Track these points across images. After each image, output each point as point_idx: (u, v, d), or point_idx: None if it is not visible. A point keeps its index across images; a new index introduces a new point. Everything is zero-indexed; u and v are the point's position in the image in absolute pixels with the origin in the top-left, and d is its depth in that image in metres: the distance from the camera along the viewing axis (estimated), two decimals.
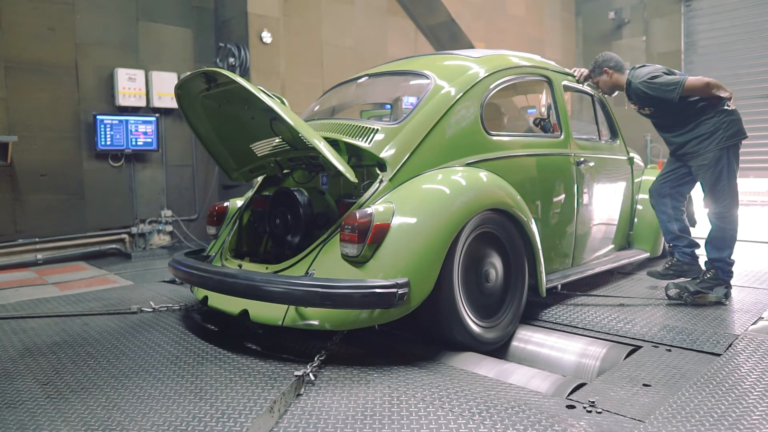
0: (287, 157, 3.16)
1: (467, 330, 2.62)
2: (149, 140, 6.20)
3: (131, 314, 3.37)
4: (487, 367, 2.46)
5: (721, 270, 3.37)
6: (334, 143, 2.86)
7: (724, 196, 3.32)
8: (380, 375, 2.29)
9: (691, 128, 3.38)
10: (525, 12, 10.87)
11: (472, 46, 9.13)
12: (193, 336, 2.89)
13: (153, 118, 6.22)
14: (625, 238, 4.38)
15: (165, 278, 4.55)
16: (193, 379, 2.29)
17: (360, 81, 3.70)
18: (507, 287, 2.93)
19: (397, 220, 2.49)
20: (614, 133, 4.36)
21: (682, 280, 3.47)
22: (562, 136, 3.56)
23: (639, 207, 4.45)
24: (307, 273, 2.55)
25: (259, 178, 3.57)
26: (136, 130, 6.10)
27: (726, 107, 3.32)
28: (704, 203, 3.45)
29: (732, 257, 3.38)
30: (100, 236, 6.06)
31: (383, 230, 2.45)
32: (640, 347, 2.65)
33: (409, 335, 2.87)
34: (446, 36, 9.22)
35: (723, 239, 3.36)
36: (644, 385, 2.21)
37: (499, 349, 2.83)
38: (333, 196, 3.15)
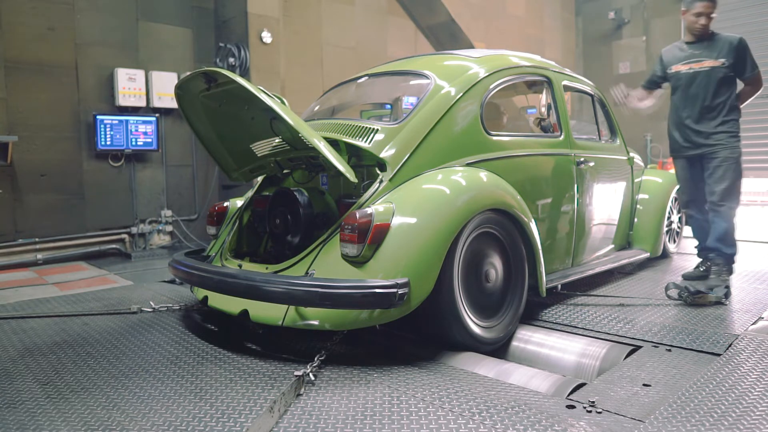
0: (287, 157, 3.16)
1: (467, 330, 2.62)
2: (149, 140, 6.20)
3: (131, 314, 3.37)
4: (487, 367, 2.46)
5: (730, 264, 3.65)
6: (334, 143, 2.86)
7: (737, 193, 3.57)
8: (380, 375, 2.29)
9: (728, 120, 3.61)
10: (525, 12, 10.87)
11: (472, 46, 9.13)
12: (193, 336, 2.89)
13: (153, 118, 6.22)
14: (625, 238, 4.38)
15: (165, 278, 4.55)
16: (193, 379, 2.29)
17: (360, 81, 3.70)
18: (507, 287, 2.93)
19: (397, 220, 2.49)
20: (614, 133, 4.36)
21: (681, 280, 3.49)
22: (562, 136, 3.56)
23: (639, 207, 4.45)
24: (307, 273, 2.55)
25: (259, 178, 3.57)
26: (136, 130, 6.10)
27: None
28: (718, 197, 3.58)
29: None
30: (100, 236, 6.06)
31: (383, 230, 2.45)
32: (640, 347, 2.65)
33: (409, 335, 2.87)
34: (446, 36, 9.22)
35: (732, 235, 3.60)
36: (644, 385, 2.21)
37: (499, 349, 2.83)
38: (333, 196, 3.15)
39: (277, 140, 3.07)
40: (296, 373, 2.21)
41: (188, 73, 2.89)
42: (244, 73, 6.38)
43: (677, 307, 3.22)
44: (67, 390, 2.23)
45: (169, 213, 6.54)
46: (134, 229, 6.26)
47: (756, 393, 2.07)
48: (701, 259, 3.88)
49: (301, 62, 7.55)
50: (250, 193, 3.54)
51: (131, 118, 6.05)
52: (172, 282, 4.33)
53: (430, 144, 2.85)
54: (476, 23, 9.73)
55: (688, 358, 2.51)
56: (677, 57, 3.78)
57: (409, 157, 2.77)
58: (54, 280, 4.83)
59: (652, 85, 4.02)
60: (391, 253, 2.44)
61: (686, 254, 4.91)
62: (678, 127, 3.78)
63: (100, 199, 6.05)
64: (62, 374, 2.40)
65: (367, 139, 2.82)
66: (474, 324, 2.67)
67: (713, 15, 3.64)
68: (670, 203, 4.59)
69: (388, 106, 4.36)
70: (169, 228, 6.56)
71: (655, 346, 2.65)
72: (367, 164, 2.98)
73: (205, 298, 2.91)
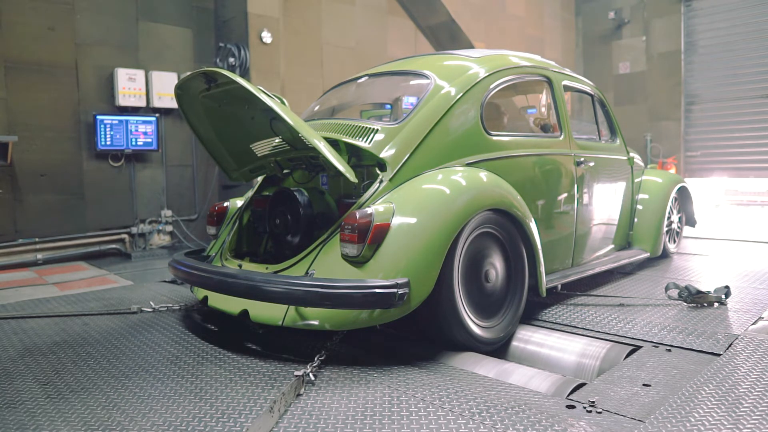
0: (287, 157, 3.16)
1: (467, 330, 2.62)
2: (149, 140, 6.20)
3: (131, 314, 3.37)
4: (487, 367, 2.46)
5: None
6: (334, 143, 2.86)
7: None
8: (380, 375, 2.29)
9: None
10: (525, 12, 10.88)
11: (472, 46, 9.13)
12: (193, 336, 2.89)
13: (153, 118, 6.23)
14: (625, 238, 4.38)
15: (165, 278, 4.55)
16: (193, 379, 2.29)
17: (360, 81, 3.70)
18: (507, 287, 2.93)
19: (397, 220, 2.49)
20: (614, 133, 4.36)
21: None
22: (562, 136, 3.56)
23: (639, 207, 4.45)
24: (307, 273, 2.55)
25: (259, 178, 3.57)
26: (136, 130, 6.10)
27: None
28: None
29: None
30: (100, 236, 6.07)
31: (383, 230, 2.45)
32: (640, 347, 2.65)
33: (409, 335, 2.87)
34: (446, 36, 9.23)
35: None
36: (644, 385, 2.21)
37: (499, 349, 2.83)
38: (333, 196, 3.15)
39: (277, 140, 3.07)
40: (296, 373, 2.21)
41: (188, 73, 2.89)
42: (244, 73, 6.38)
43: (677, 307, 3.22)
44: (67, 390, 2.23)
45: (169, 213, 6.55)
46: (134, 229, 6.27)
47: (756, 393, 2.07)
48: None
49: (301, 62, 7.55)
50: (250, 193, 3.54)
51: (131, 118, 6.05)
52: (172, 282, 4.33)
53: (430, 144, 2.85)
54: (476, 23, 9.73)
55: (688, 358, 2.51)
56: None
57: (409, 157, 2.77)
58: (54, 280, 4.83)
59: None
60: (391, 253, 2.44)
61: (686, 254, 4.91)
62: None
63: (100, 199, 6.05)
64: (62, 374, 2.40)
65: (367, 139, 2.82)
66: (474, 324, 2.67)
67: None
68: (670, 203, 4.59)
69: (388, 106, 4.36)
70: (169, 228, 6.56)
71: (655, 346, 2.65)
72: (367, 164, 2.98)
73: (205, 298, 2.91)
